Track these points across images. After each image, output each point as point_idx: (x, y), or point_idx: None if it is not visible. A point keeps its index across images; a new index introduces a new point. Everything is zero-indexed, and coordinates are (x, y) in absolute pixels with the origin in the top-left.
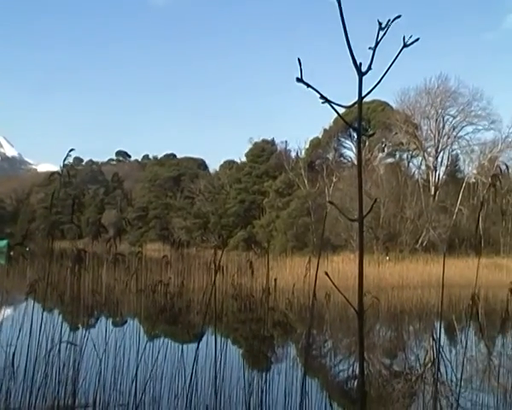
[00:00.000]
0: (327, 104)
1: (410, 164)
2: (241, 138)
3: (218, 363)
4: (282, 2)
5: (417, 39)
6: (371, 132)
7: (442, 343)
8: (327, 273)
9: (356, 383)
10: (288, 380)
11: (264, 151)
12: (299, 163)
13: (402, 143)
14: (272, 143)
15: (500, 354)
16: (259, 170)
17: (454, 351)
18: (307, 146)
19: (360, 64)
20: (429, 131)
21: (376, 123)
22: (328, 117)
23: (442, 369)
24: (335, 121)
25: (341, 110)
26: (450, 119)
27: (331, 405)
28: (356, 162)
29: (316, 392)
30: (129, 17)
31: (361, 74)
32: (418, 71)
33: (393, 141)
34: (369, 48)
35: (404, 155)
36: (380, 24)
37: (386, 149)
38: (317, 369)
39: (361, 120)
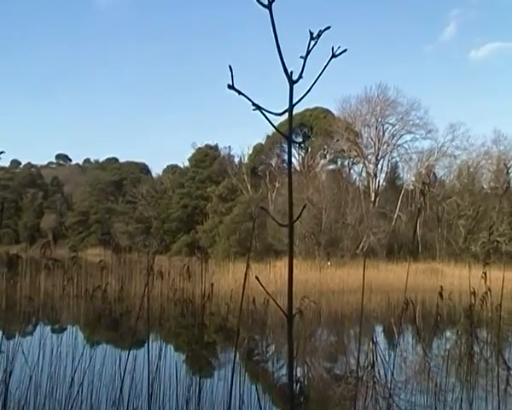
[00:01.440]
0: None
1: (351, 171)
2: (185, 143)
3: (158, 369)
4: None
5: (345, 50)
6: (301, 140)
7: (381, 347)
8: (257, 278)
9: (298, 388)
10: (227, 385)
11: (207, 156)
12: (242, 169)
13: (343, 150)
14: (215, 148)
15: (435, 355)
16: (202, 175)
17: (392, 354)
18: (250, 152)
19: (291, 72)
20: (370, 139)
21: (318, 130)
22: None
23: (381, 371)
24: (279, 127)
25: (280, 118)
26: (390, 127)
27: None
28: (298, 168)
29: (256, 397)
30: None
31: (292, 82)
32: (360, 80)
33: (335, 148)
34: (301, 57)
35: (346, 162)
36: (311, 34)
37: (328, 156)
38: (258, 374)
39: (291, 128)
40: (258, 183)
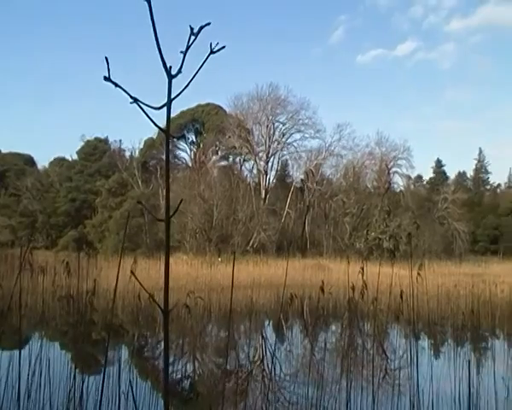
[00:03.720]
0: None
1: (243, 167)
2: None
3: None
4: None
5: (223, 47)
6: (179, 135)
7: (271, 341)
8: (133, 273)
9: (188, 384)
10: (114, 383)
11: (96, 149)
12: (132, 163)
13: (235, 147)
14: (105, 141)
15: (321, 348)
16: (92, 168)
17: (281, 348)
18: (141, 146)
19: (170, 67)
20: (261, 137)
21: (210, 126)
22: (162, 118)
23: (270, 365)
24: (171, 122)
25: (172, 114)
26: (280, 125)
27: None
28: (190, 164)
29: (147, 394)
30: None
31: (170, 77)
32: (252, 78)
33: (227, 144)
34: (181, 52)
35: (237, 159)
36: (191, 29)
37: (219, 152)
38: (150, 371)
39: (169, 123)
40: (149, 178)
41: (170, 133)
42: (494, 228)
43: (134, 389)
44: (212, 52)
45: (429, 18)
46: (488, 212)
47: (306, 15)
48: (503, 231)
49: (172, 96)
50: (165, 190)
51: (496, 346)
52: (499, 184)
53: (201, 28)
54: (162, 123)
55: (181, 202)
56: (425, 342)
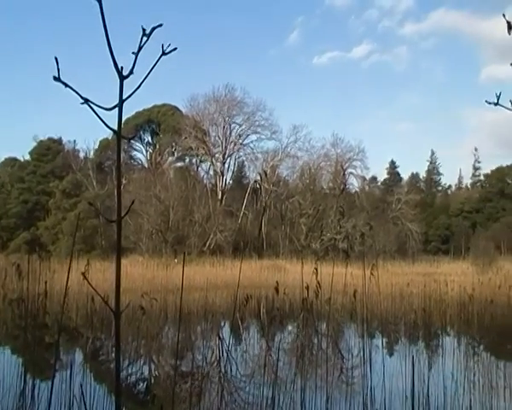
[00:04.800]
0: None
1: (199, 168)
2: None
3: None
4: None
5: (175, 49)
6: (131, 136)
7: (227, 342)
8: (83, 274)
9: (144, 386)
10: (66, 387)
11: (49, 150)
12: (87, 164)
13: (191, 148)
14: (59, 141)
15: (277, 348)
16: (45, 169)
17: (238, 348)
18: (96, 147)
19: (121, 68)
20: (217, 138)
21: (167, 127)
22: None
23: (226, 366)
24: (125, 123)
25: (128, 115)
26: (237, 127)
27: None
28: (146, 165)
29: (100, 397)
30: None
31: (122, 78)
32: (209, 79)
33: (183, 145)
34: (133, 53)
35: (194, 160)
36: (143, 30)
37: (176, 153)
38: (104, 374)
39: (121, 124)
40: (104, 179)
41: (122, 134)
42: (445, 228)
43: (88, 393)
44: (163, 53)
45: (384, 21)
46: (440, 212)
47: (264, 17)
48: (453, 231)
49: (124, 97)
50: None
51: (446, 343)
52: (450, 186)
53: (153, 29)
54: (116, 124)
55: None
56: (379, 341)
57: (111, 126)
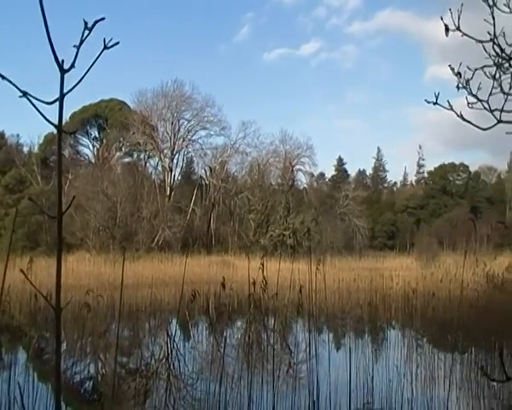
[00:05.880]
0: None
1: (148, 164)
2: None
3: None
4: None
5: (117, 43)
6: (73, 131)
7: (176, 338)
8: (22, 271)
9: (90, 385)
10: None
11: None
12: (31, 159)
13: (139, 144)
14: (1, 135)
15: (226, 344)
16: None
17: (187, 345)
18: (41, 141)
19: (62, 61)
20: (166, 133)
21: (114, 122)
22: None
23: (175, 363)
24: (71, 117)
25: (75, 108)
26: (186, 122)
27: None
28: (93, 160)
29: (43, 397)
30: None
31: (63, 72)
32: (157, 74)
33: (131, 141)
34: (74, 46)
35: (142, 156)
36: (85, 23)
37: (123, 149)
38: (49, 373)
39: (62, 118)
40: (49, 174)
41: (67, 129)
42: (391, 224)
43: (30, 393)
44: (105, 47)
45: (332, 20)
46: (385, 209)
47: (213, 12)
48: (398, 227)
49: (66, 91)
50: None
51: (391, 336)
52: (395, 183)
53: (96, 22)
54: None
55: (73, 198)
56: (326, 335)
57: (52, 121)
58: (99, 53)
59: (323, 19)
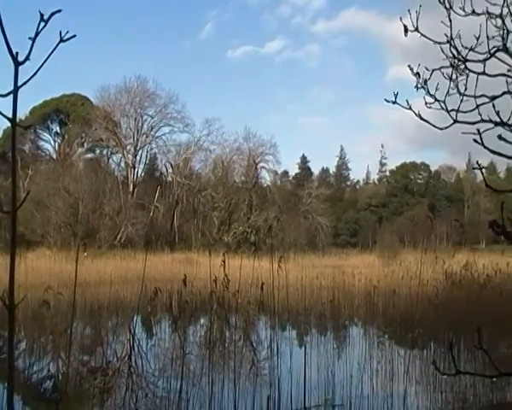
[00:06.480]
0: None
1: (110, 160)
2: None
3: None
4: None
5: (74, 36)
6: (28, 125)
7: (138, 336)
8: None
9: (51, 384)
10: None
11: None
12: None
13: (102, 140)
14: None
15: (189, 341)
16: None
17: (150, 342)
18: (0, 136)
19: (17, 53)
20: (129, 130)
21: (76, 117)
22: (22, 108)
23: (138, 361)
24: (32, 112)
25: (35, 103)
26: (149, 119)
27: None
28: (54, 156)
29: (4, 397)
30: None
31: (17, 64)
32: (121, 70)
33: (93, 137)
34: (29, 38)
35: (104, 152)
36: (41, 15)
37: (86, 145)
38: (5, 374)
39: (16, 111)
40: (8, 169)
41: (27, 124)
42: (354, 222)
43: None
44: (61, 40)
45: (297, 18)
46: (348, 207)
47: (177, 8)
48: (361, 225)
49: (20, 84)
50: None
51: (353, 333)
52: (358, 181)
53: (52, 14)
54: (19, 111)
55: (27, 194)
56: (289, 333)
57: (6, 115)
58: (55, 46)
59: (288, 17)
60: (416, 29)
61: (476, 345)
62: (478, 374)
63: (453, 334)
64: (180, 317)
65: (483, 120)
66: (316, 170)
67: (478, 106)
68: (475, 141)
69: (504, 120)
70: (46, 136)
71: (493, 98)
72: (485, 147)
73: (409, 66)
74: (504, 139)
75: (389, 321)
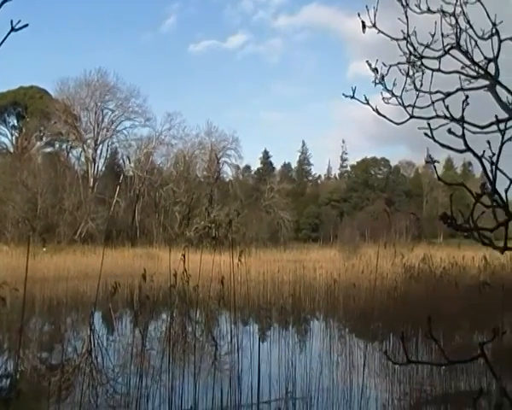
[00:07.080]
0: None
1: (70, 155)
2: None
3: None
4: None
5: (26, 25)
6: None
7: (99, 332)
8: None
9: (8, 382)
10: None
11: None
12: None
13: (61, 133)
14: None
15: (150, 337)
16: None
17: (111, 338)
18: None
19: None
20: (89, 123)
21: (34, 110)
22: None
23: (99, 358)
24: None
25: None
26: (110, 112)
27: None
28: (11, 150)
29: None
30: None
31: None
32: (81, 63)
33: (52, 130)
34: None
35: (64, 146)
36: None
37: (44, 138)
38: None
39: None
40: None
41: None
42: (315, 217)
43: None
44: (12, 29)
45: (259, 13)
46: (310, 202)
47: (138, 0)
48: (322, 220)
49: None
50: None
51: (314, 326)
52: (320, 176)
53: (4, 2)
54: None
55: None
56: (251, 327)
57: None
58: (5, 35)
59: (250, 12)
60: (374, 25)
61: (427, 334)
62: (427, 363)
63: (411, 326)
64: (141, 312)
65: (438, 116)
66: (278, 165)
67: (433, 102)
68: (426, 135)
69: (456, 117)
70: (3, 129)
71: (448, 95)
72: (435, 141)
73: (367, 61)
74: (453, 133)
75: (349, 314)
